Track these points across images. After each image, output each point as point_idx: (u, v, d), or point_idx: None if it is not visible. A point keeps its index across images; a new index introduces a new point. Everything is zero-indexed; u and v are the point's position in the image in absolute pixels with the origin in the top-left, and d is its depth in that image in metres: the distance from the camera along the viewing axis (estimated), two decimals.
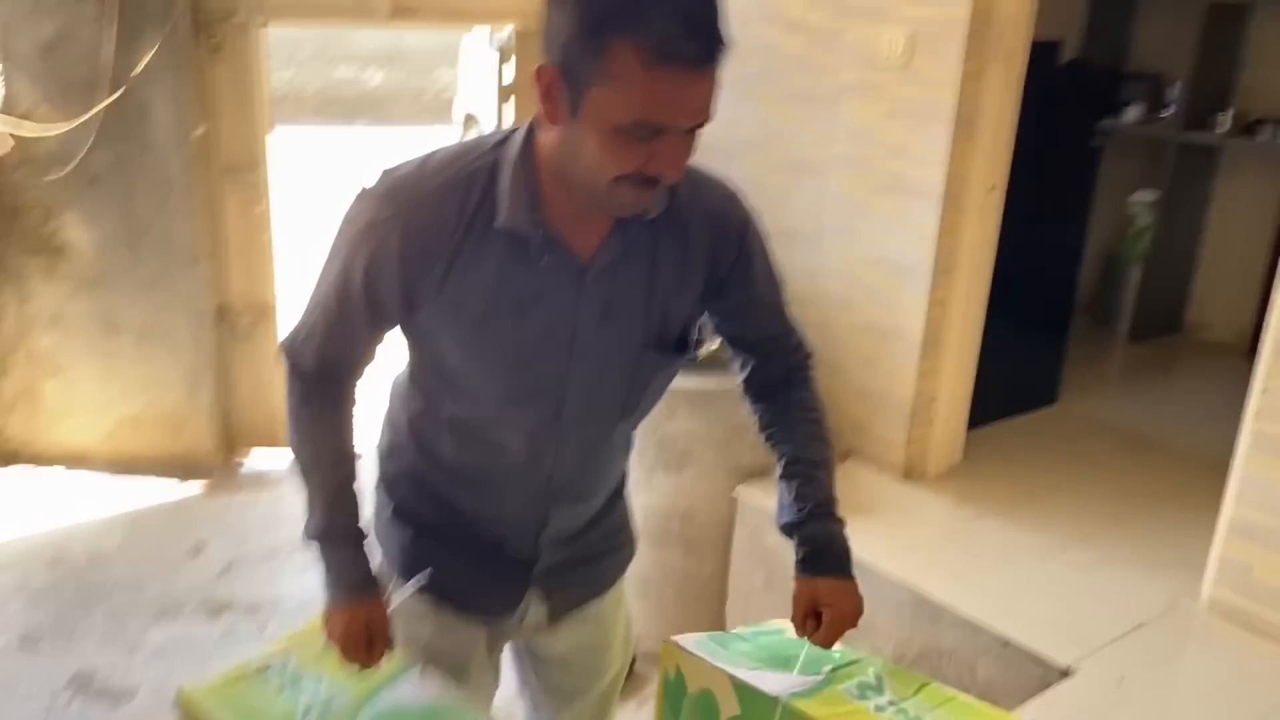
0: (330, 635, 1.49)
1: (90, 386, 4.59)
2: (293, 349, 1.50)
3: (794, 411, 1.58)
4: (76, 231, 4.38)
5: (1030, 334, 4.02)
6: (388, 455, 1.62)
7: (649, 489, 3.37)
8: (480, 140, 1.38)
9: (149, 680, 3.28)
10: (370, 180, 1.36)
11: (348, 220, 1.38)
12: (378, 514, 1.64)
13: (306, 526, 1.49)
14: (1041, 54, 3.43)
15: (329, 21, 4.84)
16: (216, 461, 4.65)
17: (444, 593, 1.57)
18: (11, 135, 4.19)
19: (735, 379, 1.64)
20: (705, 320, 1.53)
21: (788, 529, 1.54)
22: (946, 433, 3.42)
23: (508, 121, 4.68)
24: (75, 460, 4.65)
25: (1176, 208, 4.95)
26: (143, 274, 4.42)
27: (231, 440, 4.71)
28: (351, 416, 1.54)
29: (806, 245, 3.56)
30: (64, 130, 4.19)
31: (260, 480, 4.61)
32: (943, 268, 3.21)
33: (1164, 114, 5.04)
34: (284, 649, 1.55)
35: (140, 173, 4.30)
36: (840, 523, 1.54)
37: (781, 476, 1.55)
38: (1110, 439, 3.93)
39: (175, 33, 4.14)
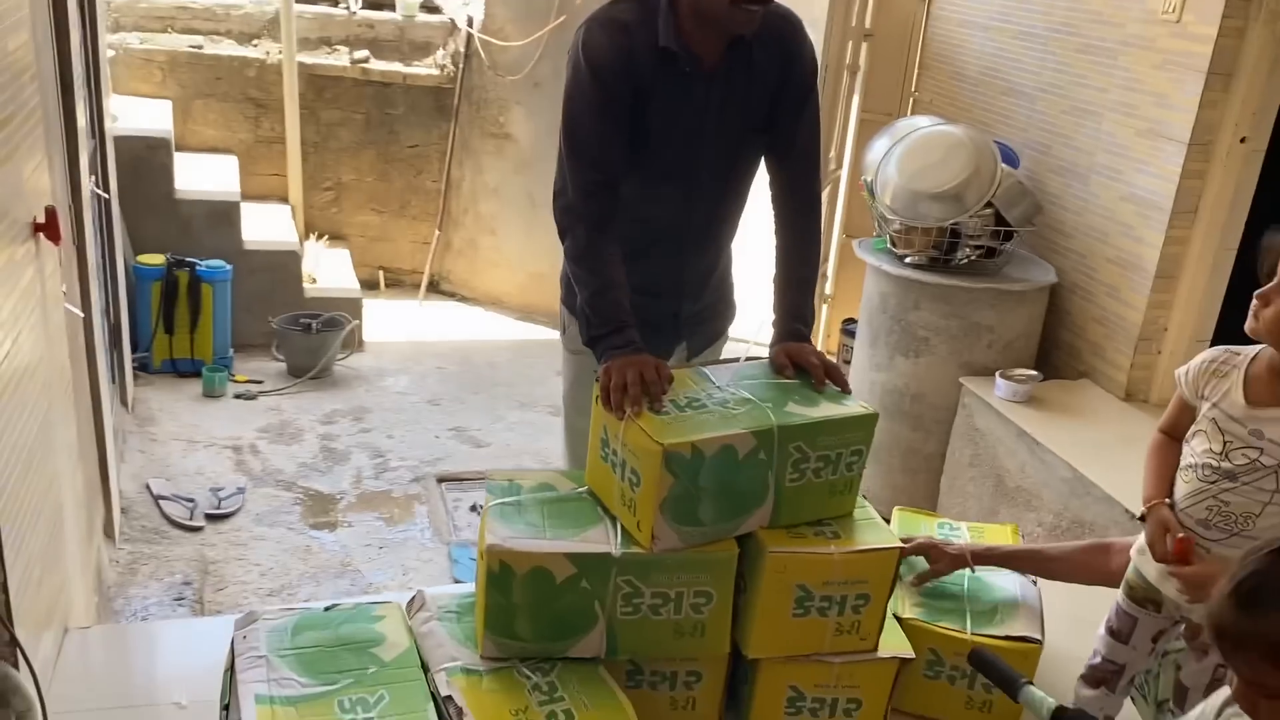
0: (617, 375, 1.80)
1: (513, 246, 5.99)
2: (566, 211, 2.05)
3: (798, 237, 2.17)
4: (519, 124, 5.74)
5: None
6: None
7: (889, 369, 4.01)
8: None
9: (499, 440, 4.52)
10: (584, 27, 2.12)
11: (575, 51, 2.08)
12: (565, 277, 2.36)
13: (592, 332, 2.02)
14: None
15: None
16: None
17: None
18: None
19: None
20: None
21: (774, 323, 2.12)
22: (1174, 363, 3.69)
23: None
24: (493, 302, 6.09)
25: None
26: None
27: None
28: (618, 242, 2.04)
29: (1079, 182, 3.96)
30: (521, 45, 5.54)
31: None
32: (1183, 208, 3.51)
33: None
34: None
35: None
36: (805, 324, 2.09)
37: (776, 279, 2.15)
38: None
39: None
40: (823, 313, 5.52)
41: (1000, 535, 2.20)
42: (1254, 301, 1.66)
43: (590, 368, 2.48)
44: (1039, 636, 1.94)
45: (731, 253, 2.42)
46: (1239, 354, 1.73)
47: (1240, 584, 1.24)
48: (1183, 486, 1.74)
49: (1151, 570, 1.79)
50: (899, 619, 1.98)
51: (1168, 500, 1.77)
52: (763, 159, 2.24)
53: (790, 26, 2.15)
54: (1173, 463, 1.79)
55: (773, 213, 2.23)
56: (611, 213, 2.07)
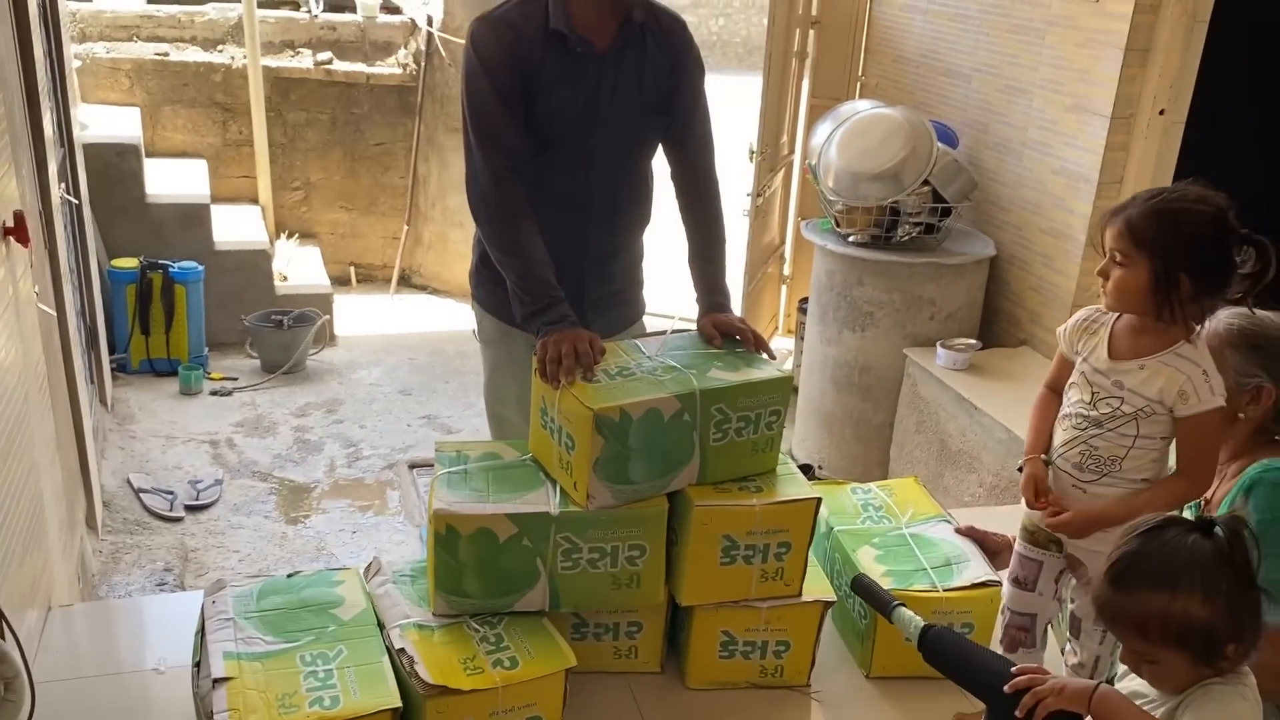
0: (552, 348, 1.94)
1: None
2: (480, 199, 2.16)
3: (706, 219, 2.32)
4: None
5: None
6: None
7: (838, 343, 4.18)
8: None
9: (470, 426, 4.66)
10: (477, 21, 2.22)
11: (467, 48, 2.19)
12: (475, 270, 2.47)
13: (525, 310, 2.12)
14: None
15: None
16: None
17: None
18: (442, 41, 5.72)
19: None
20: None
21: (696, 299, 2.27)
22: None
23: None
24: (464, 294, 6.21)
25: None
26: None
27: None
28: (534, 222, 2.15)
29: (1014, 157, 4.13)
30: None
31: None
32: (1108, 179, 3.68)
33: None
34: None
35: None
36: (725, 296, 2.25)
37: (690, 260, 2.29)
38: None
39: None
40: (782, 293, 5.69)
41: (906, 488, 2.36)
42: (1100, 280, 1.82)
43: (503, 358, 2.53)
44: (996, 577, 2.09)
45: (641, 246, 2.50)
46: (1107, 313, 1.89)
47: (1113, 565, 1.39)
48: (1060, 435, 1.91)
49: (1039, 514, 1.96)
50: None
51: (1043, 455, 1.93)
52: (663, 149, 2.36)
53: (680, 24, 2.31)
54: (1051, 417, 1.95)
55: (677, 199, 2.36)
56: (522, 195, 2.18)
